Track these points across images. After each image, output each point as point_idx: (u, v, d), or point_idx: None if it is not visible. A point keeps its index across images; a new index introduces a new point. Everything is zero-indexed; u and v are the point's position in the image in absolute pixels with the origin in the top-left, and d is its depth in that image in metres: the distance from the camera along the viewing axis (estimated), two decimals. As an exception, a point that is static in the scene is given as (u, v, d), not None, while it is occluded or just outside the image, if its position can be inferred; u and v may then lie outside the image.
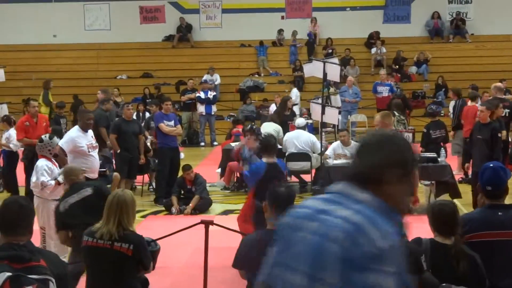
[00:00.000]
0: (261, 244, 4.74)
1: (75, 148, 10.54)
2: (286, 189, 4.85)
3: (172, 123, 13.63)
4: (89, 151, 10.63)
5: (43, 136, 9.46)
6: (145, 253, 5.59)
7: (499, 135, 11.73)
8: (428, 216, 4.91)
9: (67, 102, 24.44)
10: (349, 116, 21.91)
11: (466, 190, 12.54)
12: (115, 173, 12.61)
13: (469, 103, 15.36)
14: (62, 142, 10.33)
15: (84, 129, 10.87)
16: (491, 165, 5.46)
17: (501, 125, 12.62)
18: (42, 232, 8.90)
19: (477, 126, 11.69)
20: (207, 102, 22.33)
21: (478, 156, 11.08)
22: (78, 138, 10.73)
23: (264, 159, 8.49)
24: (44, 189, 8.86)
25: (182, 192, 12.91)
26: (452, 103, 16.79)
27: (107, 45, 28.61)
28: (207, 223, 7.69)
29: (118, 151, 13.07)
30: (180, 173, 13.28)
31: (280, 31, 28.27)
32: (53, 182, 8.85)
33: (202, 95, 22.47)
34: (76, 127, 11.04)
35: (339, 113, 17.26)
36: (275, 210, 4.77)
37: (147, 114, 19.10)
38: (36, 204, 8.98)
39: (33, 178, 9.02)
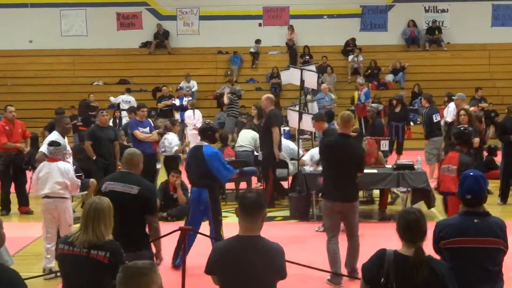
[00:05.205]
0: (232, 250, 4.75)
1: None
2: (254, 195, 4.79)
3: (147, 129, 13.57)
4: (65, 158, 10.61)
5: (59, 140, 9.85)
6: (121, 260, 5.53)
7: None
8: (396, 223, 4.92)
9: (45, 109, 24.39)
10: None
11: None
12: (92, 180, 12.51)
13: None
14: (43, 148, 10.44)
15: (63, 135, 10.93)
16: (471, 173, 5.46)
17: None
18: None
19: None
20: (182, 109, 22.17)
21: None
22: None
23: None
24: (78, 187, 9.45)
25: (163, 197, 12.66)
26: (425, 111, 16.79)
27: (83, 51, 28.49)
28: (185, 230, 7.67)
29: (94, 157, 12.98)
30: (165, 177, 13.19)
31: (258, 41, 28.29)
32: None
33: (177, 102, 22.31)
34: (55, 132, 11.10)
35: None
36: (243, 216, 4.75)
37: (124, 121, 19.01)
38: (66, 206, 9.28)
39: (65, 181, 9.17)
